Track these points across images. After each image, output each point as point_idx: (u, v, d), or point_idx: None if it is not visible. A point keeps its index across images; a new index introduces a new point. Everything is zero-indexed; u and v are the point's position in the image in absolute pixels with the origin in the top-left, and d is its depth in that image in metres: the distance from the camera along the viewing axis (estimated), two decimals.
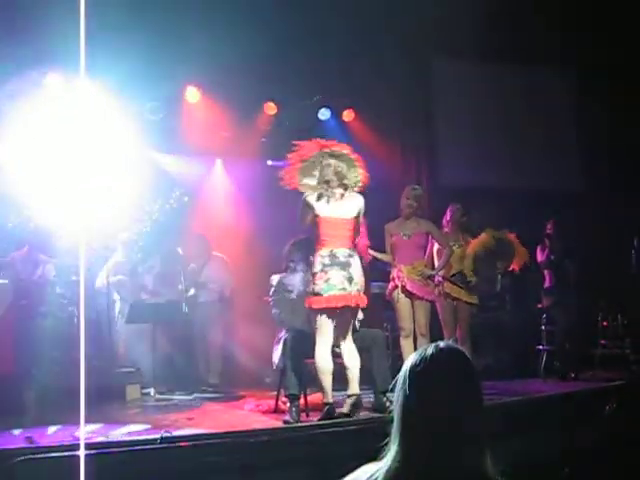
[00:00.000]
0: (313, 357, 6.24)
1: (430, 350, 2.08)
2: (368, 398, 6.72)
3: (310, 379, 6.70)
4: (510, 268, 7.97)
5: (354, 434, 5.18)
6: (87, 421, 6.02)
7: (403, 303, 7.25)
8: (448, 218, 7.97)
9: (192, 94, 9.69)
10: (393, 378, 2.03)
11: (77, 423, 6.01)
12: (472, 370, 2.02)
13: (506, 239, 7.81)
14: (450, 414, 1.93)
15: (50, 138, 9.20)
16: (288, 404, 6.20)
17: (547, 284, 8.72)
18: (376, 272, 8.26)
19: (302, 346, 6.31)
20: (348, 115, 10.63)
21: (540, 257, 8.74)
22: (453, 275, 7.69)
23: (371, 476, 2.02)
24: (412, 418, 2.00)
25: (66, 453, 4.29)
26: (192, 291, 8.90)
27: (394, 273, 7.32)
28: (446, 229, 7.94)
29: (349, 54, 9.13)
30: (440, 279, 7.59)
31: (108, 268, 8.65)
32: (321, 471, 4.52)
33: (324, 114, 10.51)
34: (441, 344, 2.08)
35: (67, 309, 8.35)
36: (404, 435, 1.99)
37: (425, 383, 1.99)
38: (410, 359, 2.05)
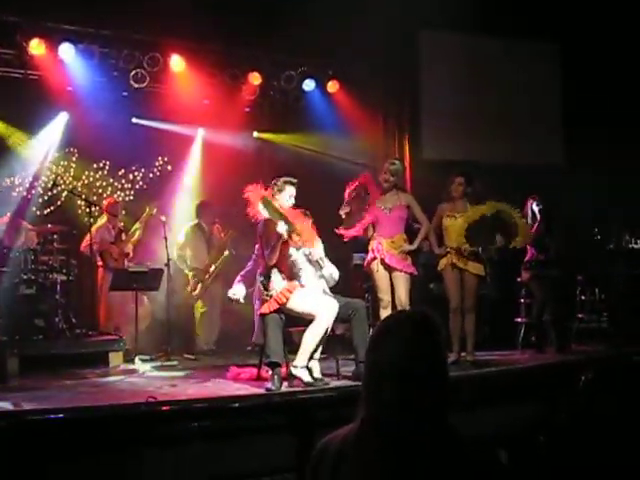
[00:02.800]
0: (295, 326, 6.45)
1: (391, 316, 2.18)
2: (349, 367, 6.79)
3: (293, 348, 6.80)
4: (511, 245, 7.89)
5: (336, 401, 5.26)
6: (70, 387, 6.14)
7: (382, 275, 7.32)
8: (452, 189, 7.85)
9: (177, 63, 9.65)
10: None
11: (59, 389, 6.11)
12: (431, 332, 2.09)
13: (508, 213, 7.74)
14: (404, 371, 2.01)
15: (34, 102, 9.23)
16: (270, 372, 6.27)
17: (527, 257, 8.78)
18: (358, 244, 8.33)
19: (284, 316, 6.40)
20: (332, 86, 10.60)
21: None
22: (458, 247, 7.64)
23: (342, 438, 2.10)
24: (371, 377, 2.10)
25: (50, 416, 4.34)
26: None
27: (373, 245, 7.37)
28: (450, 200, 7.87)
29: (334, 24, 9.10)
30: (447, 250, 7.67)
31: (92, 234, 8.66)
32: (302, 437, 4.61)
33: (308, 85, 10.48)
34: (406, 310, 2.17)
35: (49, 277, 8.37)
36: (366, 397, 2.08)
37: (383, 341, 2.09)
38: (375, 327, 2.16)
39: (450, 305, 7.65)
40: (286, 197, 6.72)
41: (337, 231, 7.31)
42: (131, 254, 9.15)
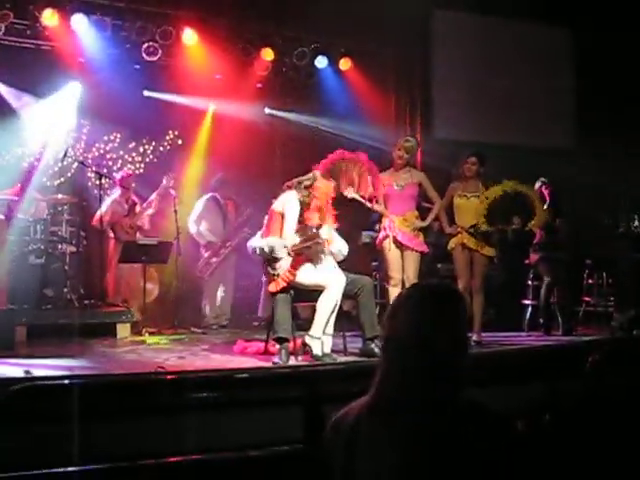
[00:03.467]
0: (304, 301, 6.52)
1: (413, 286, 2.20)
2: (356, 344, 6.81)
3: (300, 323, 6.84)
4: (528, 226, 7.89)
5: (343, 376, 5.27)
6: (78, 356, 6.18)
7: (393, 253, 7.35)
8: (465, 169, 7.79)
9: (189, 36, 9.62)
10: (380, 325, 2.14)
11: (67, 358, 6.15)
12: (454, 302, 2.13)
13: (525, 194, 7.73)
14: (421, 341, 2.04)
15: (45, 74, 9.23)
16: (277, 347, 6.29)
17: (536, 240, 8.76)
18: (366, 221, 8.34)
19: (294, 291, 6.42)
20: (345, 63, 10.57)
21: None
22: (472, 226, 7.65)
23: (357, 412, 2.13)
24: (388, 347, 2.13)
25: (62, 382, 4.37)
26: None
27: (385, 223, 7.40)
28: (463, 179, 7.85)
29: (349, 1, 9.06)
30: (458, 230, 7.67)
31: (105, 206, 8.69)
32: (309, 409, 4.63)
33: (321, 62, 10.44)
34: (429, 282, 2.20)
35: (59, 247, 8.42)
36: (385, 365, 2.11)
37: (406, 310, 2.11)
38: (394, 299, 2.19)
39: (458, 285, 7.64)
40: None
41: (369, 207, 7.35)
42: (146, 226, 9.15)
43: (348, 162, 7.06)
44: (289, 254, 6.42)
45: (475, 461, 1.98)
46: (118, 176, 9.31)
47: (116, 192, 9.15)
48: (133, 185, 9.33)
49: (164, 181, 9.01)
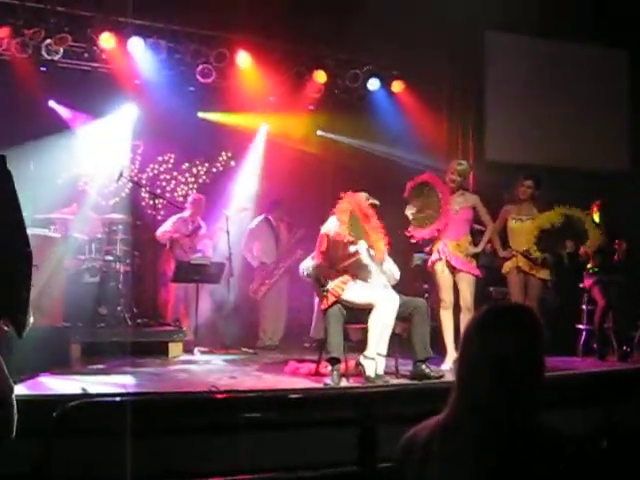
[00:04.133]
0: (356, 323, 6.54)
1: (489, 307, 2.18)
2: (407, 366, 6.76)
3: (350, 345, 6.81)
4: (582, 251, 7.83)
5: (395, 398, 5.25)
6: (131, 373, 6.24)
7: (446, 276, 7.32)
8: (520, 192, 7.76)
9: (243, 59, 9.72)
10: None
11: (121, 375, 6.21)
12: (533, 327, 2.11)
13: (578, 218, 7.64)
14: (497, 363, 2.03)
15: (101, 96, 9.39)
16: (329, 367, 6.27)
17: (591, 264, 8.64)
18: (418, 244, 8.30)
19: (345, 310, 6.41)
20: (397, 86, 10.58)
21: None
22: (526, 250, 7.60)
23: (429, 431, 2.12)
24: (463, 368, 2.12)
25: (116, 399, 4.41)
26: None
27: (439, 247, 7.33)
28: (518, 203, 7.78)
29: (401, 22, 9.09)
30: (513, 253, 7.62)
31: (171, 223, 8.82)
32: (359, 431, 4.61)
33: (373, 84, 10.45)
34: (508, 304, 2.20)
35: (113, 266, 8.52)
36: (461, 387, 2.11)
37: (484, 334, 2.10)
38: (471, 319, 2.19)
39: None
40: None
41: (408, 233, 7.33)
42: (208, 253, 9.20)
43: (430, 186, 7.27)
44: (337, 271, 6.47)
45: None
46: (190, 198, 9.44)
47: (185, 212, 9.24)
48: (202, 209, 9.40)
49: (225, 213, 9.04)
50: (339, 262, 6.49)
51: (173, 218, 9.06)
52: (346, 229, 6.39)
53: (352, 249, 6.43)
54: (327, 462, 4.38)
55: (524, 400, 2.04)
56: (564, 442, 2.02)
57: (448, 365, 7.06)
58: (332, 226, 6.49)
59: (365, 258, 6.58)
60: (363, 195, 6.72)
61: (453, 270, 7.29)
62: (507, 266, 7.70)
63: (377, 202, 6.76)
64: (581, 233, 7.65)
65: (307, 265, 6.92)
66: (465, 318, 7.11)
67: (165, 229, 8.91)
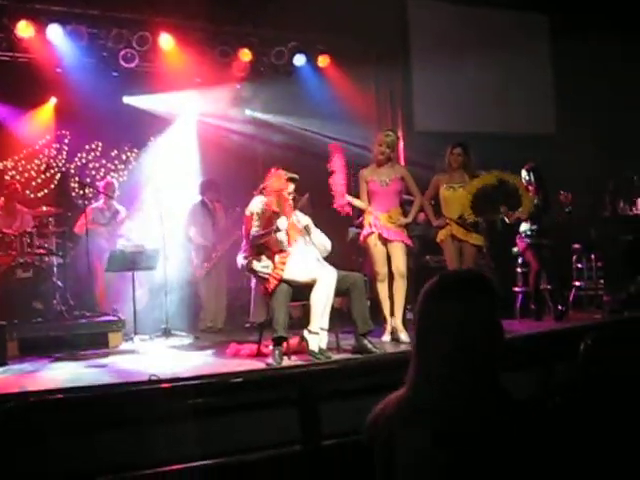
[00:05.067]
0: (296, 300, 6.56)
1: (446, 275, 2.20)
2: (348, 340, 6.80)
3: (291, 322, 6.81)
4: (515, 216, 7.91)
5: (337, 373, 5.27)
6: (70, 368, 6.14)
7: (379, 249, 7.34)
8: (451, 160, 7.80)
9: (166, 41, 9.59)
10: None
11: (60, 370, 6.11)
12: (489, 292, 2.12)
13: (512, 184, 7.71)
14: (455, 330, 2.04)
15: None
16: (272, 347, 6.27)
17: (522, 227, 8.77)
18: (352, 218, 8.33)
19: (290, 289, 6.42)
20: (323, 61, 10.58)
21: None
22: (460, 217, 7.64)
23: (395, 404, 2.13)
24: (421, 339, 2.13)
25: (56, 396, 4.35)
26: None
27: (370, 220, 7.34)
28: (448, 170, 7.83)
29: None
30: (446, 221, 7.69)
31: (87, 215, 8.65)
32: (302, 410, 4.62)
33: (299, 60, 10.43)
34: (463, 270, 2.22)
35: (46, 259, 8.37)
36: (415, 359, 2.12)
37: (440, 299, 2.11)
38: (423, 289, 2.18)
39: None
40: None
41: (335, 206, 7.31)
42: (128, 235, 9.10)
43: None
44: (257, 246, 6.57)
45: (515, 449, 1.98)
46: (101, 184, 9.28)
47: (100, 200, 9.11)
48: (116, 193, 9.29)
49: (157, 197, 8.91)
50: (260, 238, 6.52)
51: (88, 209, 8.92)
52: (274, 203, 6.50)
53: (278, 223, 6.46)
54: (273, 443, 4.39)
55: (483, 367, 2.04)
56: (527, 407, 2.05)
57: (388, 337, 7.20)
58: (257, 202, 6.61)
59: (283, 235, 6.58)
60: (282, 172, 6.71)
61: (385, 242, 7.32)
62: (442, 234, 7.76)
63: (296, 176, 6.76)
64: (514, 199, 7.73)
65: (241, 262, 6.92)
66: (398, 285, 7.28)
67: (81, 221, 8.73)
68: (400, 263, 7.29)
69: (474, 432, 1.98)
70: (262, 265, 6.52)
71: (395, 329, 7.26)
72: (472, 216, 7.51)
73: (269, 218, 6.52)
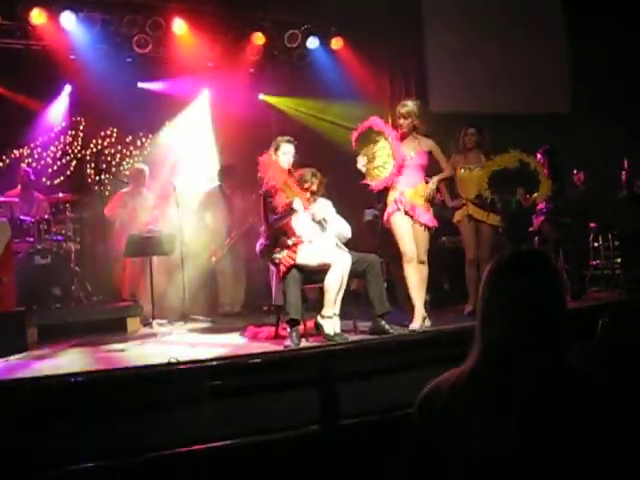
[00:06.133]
0: (311, 283, 6.59)
1: (508, 252, 2.22)
2: (366, 322, 6.81)
3: (308, 305, 6.84)
4: (530, 199, 7.84)
5: (355, 354, 5.30)
6: (89, 353, 6.19)
7: (405, 226, 6.82)
8: (465, 140, 7.77)
9: (179, 26, 9.59)
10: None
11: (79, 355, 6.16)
12: (554, 269, 2.17)
13: (532, 166, 7.62)
14: (522, 307, 2.06)
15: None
16: (288, 329, 6.30)
17: (539, 207, 8.75)
18: (368, 200, 8.31)
19: (302, 273, 6.44)
20: (336, 43, 10.54)
21: None
22: (477, 197, 7.60)
23: (452, 383, 2.13)
24: (486, 317, 2.14)
25: (77, 379, 4.39)
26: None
27: (396, 196, 6.84)
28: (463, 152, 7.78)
29: None
30: (463, 202, 7.63)
31: (118, 199, 8.71)
32: (320, 391, 4.65)
33: (312, 43, 10.40)
34: (525, 249, 2.24)
35: (63, 246, 8.43)
36: (481, 337, 2.12)
37: (508, 278, 2.13)
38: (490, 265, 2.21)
39: (467, 257, 7.66)
40: (282, 155, 6.71)
41: (365, 182, 6.87)
42: (158, 221, 9.13)
43: (376, 132, 6.82)
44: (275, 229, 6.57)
45: (583, 427, 1.98)
46: (129, 171, 9.35)
47: (128, 185, 9.16)
48: (146, 180, 9.34)
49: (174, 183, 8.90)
50: (279, 221, 6.53)
51: (117, 194, 8.97)
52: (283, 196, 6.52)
53: (294, 205, 6.47)
54: (291, 424, 4.42)
55: (552, 342, 2.06)
56: (596, 385, 2.05)
57: (418, 324, 6.65)
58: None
59: (301, 216, 6.61)
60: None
61: (412, 220, 6.86)
62: (458, 214, 7.74)
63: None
64: (532, 182, 7.68)
65: (258, 247, 6.97)
66: (419, 271, 6.81)
67: (111, 206, 8.82)
68: (422, 249, 6.86)
69: (543, 406, 1.99)
70: (276, 251, 6.55)
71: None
72: (488, 192, 7.46)
73: (286, 202, 6.52)
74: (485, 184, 7.41)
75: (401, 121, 6.92)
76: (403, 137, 6.89)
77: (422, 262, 6.85)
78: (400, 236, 6.83)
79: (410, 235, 6.80)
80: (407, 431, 2.24)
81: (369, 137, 6.85)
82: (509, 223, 8.37)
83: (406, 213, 6.80)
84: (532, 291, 2.07)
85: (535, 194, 7.79)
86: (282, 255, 6.45)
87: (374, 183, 6.85)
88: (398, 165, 6.72)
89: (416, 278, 6.74)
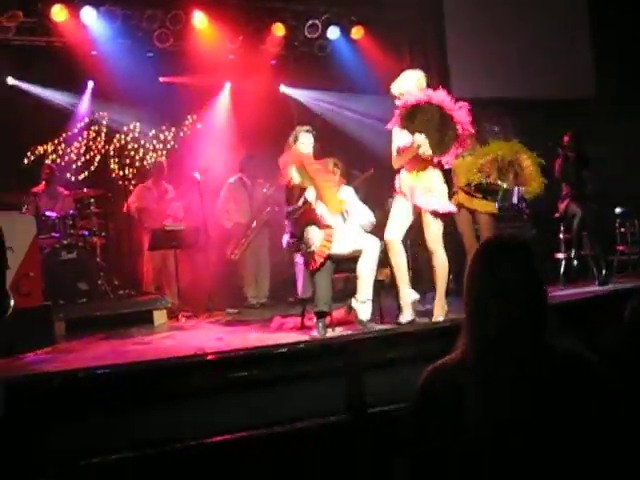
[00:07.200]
0: (339, 272, 6.59)
1: (495, 240, 2.31)
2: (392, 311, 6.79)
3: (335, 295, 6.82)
4: (520, 188, 7.69)
5: (381, 343, 5.29)
6: (117, 346, 6.24)
7: (398, 208, 6.47)
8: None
9: (199, 19, 9.59)
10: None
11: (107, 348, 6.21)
12: (528, 253, 2.19)
13: (526, 159, 7.44)
14: (505, 293, 2.11)
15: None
16: (315, 320, 6.29)
17: (564, 192, 8.68)
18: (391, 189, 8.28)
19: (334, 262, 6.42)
20: (357, 32, 10.49)
21: (557, 169, 8.67)
22: (467, 184, 7.50)
23: (451, 368, 2.17)
24: (473, 304, 2.19)
25: (105, 371, 4.43)
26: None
27: (396, 181, 6.56)
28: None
29: None
30: (454, 190, 7.49)
31: (135, 194, 8.75)
32: (347, 380, 4.65)
33: (333, 33, 10.36)
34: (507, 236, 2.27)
35: (89, 240, 8.49)
36: (469, 324, 2.17)
37: (482, 268, 2.18)
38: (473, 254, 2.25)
39: (465, 246, 7.30)
40: (300, 145, 6.64)
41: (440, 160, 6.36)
42: (180, 215, 9.18)
43: (424, 107, 6.26)
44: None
45: (577, 407, 2.04)
46: (149, 164, 9.40)
47: (148, 180, 9.21)
48: (164, 173, 9.39)
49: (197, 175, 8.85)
50: (294, 212, 6.48)
51: (137, 188, 9.01)
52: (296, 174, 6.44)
53: (306, 195, 6.39)
54: (318, 413, 4.42)
55: (537, 325, 2.11)
56: (591, 364, 2.10)
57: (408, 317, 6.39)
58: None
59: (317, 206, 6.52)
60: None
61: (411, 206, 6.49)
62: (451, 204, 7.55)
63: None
64: (523, 176, 7.46)
65: (286, 240, 6.92)
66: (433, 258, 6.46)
67: (131, 200, 8.86)
68: (428, 237, 6.40)
69: (536, 388, 2.05)
70: (309, 243, 6.38)
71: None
72: (478, 176, 7.28)
73: (299, 192, 6.46)
74: (475, 169, 7.24)
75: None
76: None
77: (431, 252, 6.42)
78: (390, 216, 6.53)
79: (401, 218, 6.41)
80: (408, 415, 2.28)
81: (415, 115, 6.29)
82: (534, 209, 8.30)
83: (402, 193, 6.44)
84: (516, 277, 2.12)
85: (525, 188, 7.58)
86: (315, 247, 6.32)
87: (445, 159, 6.40)
88: (466, 134, 6.38)
89: (398, 263, 6.41)
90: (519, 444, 2.01)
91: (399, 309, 6.45)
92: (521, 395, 2.04)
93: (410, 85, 6.46)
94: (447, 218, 6.57)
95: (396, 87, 6.51)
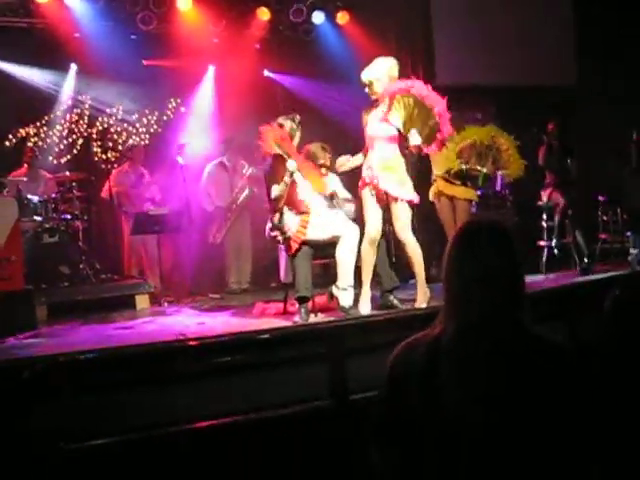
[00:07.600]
0: (320, 258, 6.59)
1: (477, 224, 2.28)
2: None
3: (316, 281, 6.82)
4: (500, 172, 7.69)
5: (363, 329, 5.29)
6: (99, 330, 6.21)
7: (370, 203, 6.37)
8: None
9: (183, 2, 9.52)
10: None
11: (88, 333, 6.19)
12: (507, 236, 2.21)
13: (504, 143, 7.44)
14: (484, 274, 2.12)
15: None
16: (297, 306, 6.29)
17: (547, 180, 8.71)
18: None
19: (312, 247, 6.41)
20: (342, 17, 10.44)
21: (541, 157, 8.71)
22: (447, 172, 7.47)
23: (427, 346, 2.17)
24: (451, 284, 2.20)
25: (87, 356, 4.41)
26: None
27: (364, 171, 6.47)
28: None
29: None
30: (433, 178, 7.48)
31: (113, 178, 8.68)
32: (329, 366, 4.65)
33: (318, 17, 10.30)
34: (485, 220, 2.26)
35: (71, 224, 8.44)
36: (448, 304, 2.20)
37: (478, 247, 2.18)
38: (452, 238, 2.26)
39: (447, 233, 7.36)
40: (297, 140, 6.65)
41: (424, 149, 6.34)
42: (158, 197, 9.15)
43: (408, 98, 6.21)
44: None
45: (549, 389, 2.05)
46: (126, 148, 9.33)
47: (124, 164, 9.16)
48: (141, 156, 9.34)
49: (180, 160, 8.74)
50: (281, 195, 6.37)
51: (114, 172, 8.97)
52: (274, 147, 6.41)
53: (288, 165, 6.30)
54: (300, 399, 4.43)
55: (514, 307, 2.13)
56: (565, 349, 2.12)
57: (422, 302, 6.36)
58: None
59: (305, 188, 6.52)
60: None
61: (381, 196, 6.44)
62: (431, 193, 7.57)
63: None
64: (503, 160, 7.47)
65: (268, 234, 6.89)
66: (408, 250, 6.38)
67: (109, 185, 8.79)
68: (397, 226, 6.29)
69: (506, 366, 2.07)
70: (284, 228, 6.42)
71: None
72: (455, 163, 7.27)
73: (283, 165, 6.35)
74: (453, 156, 7.23)
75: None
76: (372, 104, 6.46)
77: (403, 242, 6.30)
78: (364, 212, 6.45)
79: (374, 213, 6.32)
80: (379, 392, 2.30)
81: (404, 101, 6.22)
82: (517, 197, 8.31)
83: (369, 183, 6.29)
84: (499, 263, 2.14)
85: (505, 171, 7.60)
86: (291, 233, 6.36)
87: (432, 147, 6.36)
88: (447, 128, 6.26)
89: (369, 259, 6.32)
90: (495, 420, 2.03)
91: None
92: (496, 372, 2.06)
93: (381, 73, 6.35)
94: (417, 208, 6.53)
95: (366, 74, 6.37)
